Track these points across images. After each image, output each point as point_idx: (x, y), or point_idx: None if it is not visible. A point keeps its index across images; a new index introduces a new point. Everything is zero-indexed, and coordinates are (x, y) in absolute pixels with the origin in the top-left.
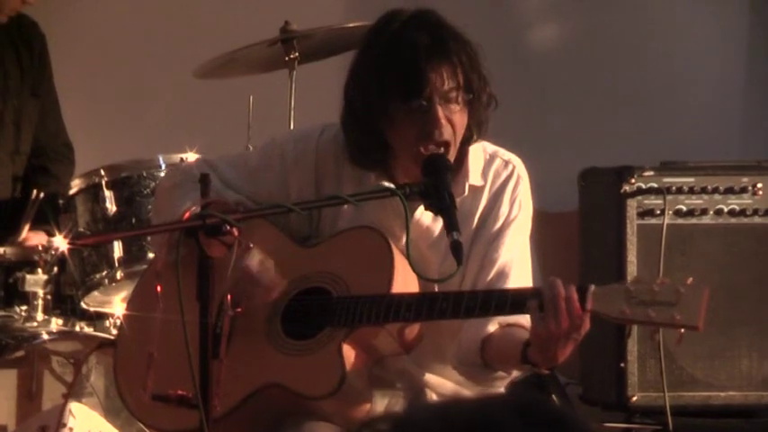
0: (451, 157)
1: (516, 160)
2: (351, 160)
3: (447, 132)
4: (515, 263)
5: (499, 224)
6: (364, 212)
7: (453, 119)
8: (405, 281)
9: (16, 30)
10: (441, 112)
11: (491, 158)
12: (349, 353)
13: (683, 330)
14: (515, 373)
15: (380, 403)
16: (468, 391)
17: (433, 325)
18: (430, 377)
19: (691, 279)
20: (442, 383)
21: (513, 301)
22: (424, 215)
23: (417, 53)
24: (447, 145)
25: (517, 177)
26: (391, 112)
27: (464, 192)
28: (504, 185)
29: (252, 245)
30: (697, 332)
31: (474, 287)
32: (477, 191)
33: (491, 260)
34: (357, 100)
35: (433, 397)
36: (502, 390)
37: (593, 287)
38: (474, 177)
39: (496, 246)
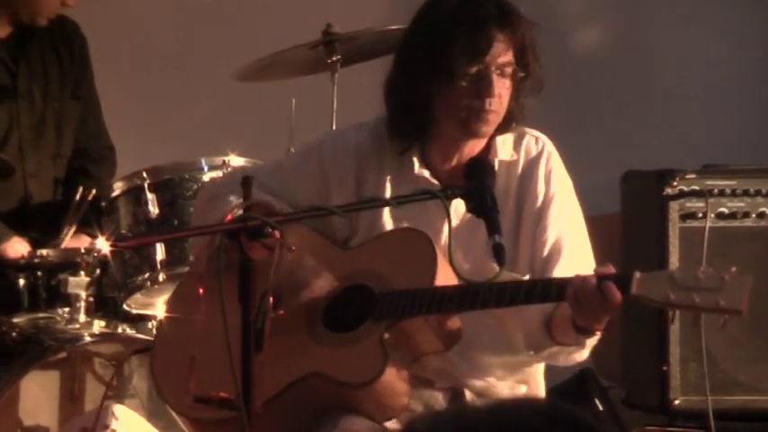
0: (488, 133)
1: (544, 137)
2: (389, 130)
3: (495, 103)
4: (566, 238)
5: (539, 203)
6: (404, 210)
7: (503, 93)
8: (446, 279)
9: (57, 31)
10: (495, 81)
11: (520, 135)
12: (390, 344)
13: (726, 316)
14: (592, 340)
15: (418, 403)
16: (508, 391)
17: (475, 320)
18: (469, 377)
19: (734, 268)
20: (480, 383)
21: (558, 290)
22: (459, 204)
23: (486, 17)
24: (492, 114)
25: (548, 153)
26: (445, 77)
27: (494, 181)
28: (536, 161)
29: (293, 247)
30: (740, 317)
31: (531, 267)
32: (510, 165)
33: (542, 242)
34: (413, 59)
35: (472, 397)
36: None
37: (638, 274)
38: (504, 153)
39: (543, 227)
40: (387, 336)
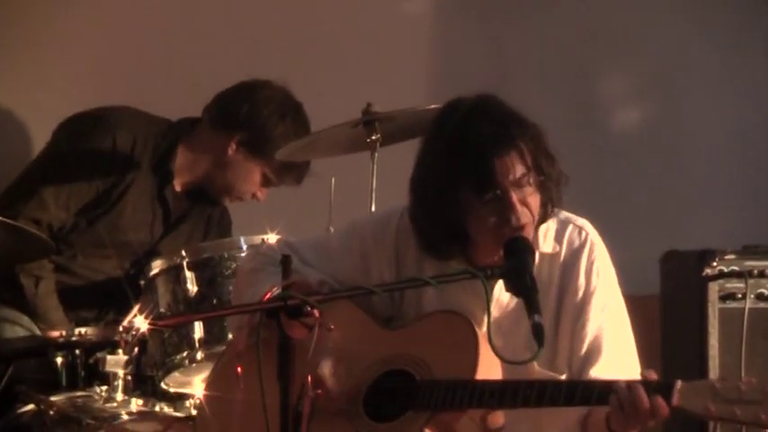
0: (529, 235)
1: (589, 226)
2: (428, 252)
3: (524, 216)
4: (606, 335)
5: (579, 297)
6: (447, 295)
7: (528, 201)
8: (489, 367)
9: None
10: (515, 197)
11: (563, 224)
12: None
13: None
14: None
15: None
16: None
17: (512, 411)
18: None
19: None
20: None
21: (599, 395)
22: (502, 293)
23: (483, 146)
24: (525, 227)
25: (591, 244)
26: (466, 205)
27: (534, 261)
28: (578, 253)
29: (333, 326)
30: None
31: (569, 364)
32: (552, 258)
33: (580, 339)
34: (428, 195)
35: None
36: None
37: (679, 383)
38: (546, 245)
39: (582, 323)
40: (427, 428)
